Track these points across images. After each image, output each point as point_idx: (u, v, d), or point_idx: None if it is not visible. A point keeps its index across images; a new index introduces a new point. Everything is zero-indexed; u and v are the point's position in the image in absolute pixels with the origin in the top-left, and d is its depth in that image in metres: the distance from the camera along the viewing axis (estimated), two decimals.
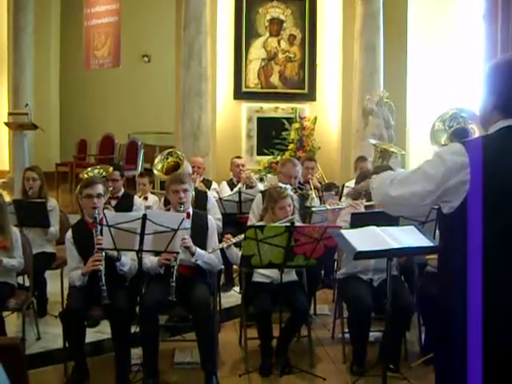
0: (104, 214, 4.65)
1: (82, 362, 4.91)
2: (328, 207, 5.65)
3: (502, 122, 2.56)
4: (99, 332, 5.57)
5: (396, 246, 3.61)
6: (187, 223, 4.91)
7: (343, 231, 3.71)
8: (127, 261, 5.08)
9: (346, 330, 5.39)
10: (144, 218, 4.55)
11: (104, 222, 4.57)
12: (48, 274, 6.30)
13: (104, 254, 4.86)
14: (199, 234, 5.21)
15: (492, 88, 2.61)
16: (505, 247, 2.44)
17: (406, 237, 3.73)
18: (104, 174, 6.67)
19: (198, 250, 5.07)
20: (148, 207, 6.75)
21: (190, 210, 5.29)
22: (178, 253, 4.87)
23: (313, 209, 5.63)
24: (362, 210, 5.24)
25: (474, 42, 10.22)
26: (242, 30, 10.29)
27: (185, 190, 5.17)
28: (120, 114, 14.56)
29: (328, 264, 6.43)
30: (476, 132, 9.05)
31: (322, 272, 7.16)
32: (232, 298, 6.82)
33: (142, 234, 4.57)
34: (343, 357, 5.43)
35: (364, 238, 3.64)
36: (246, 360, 5.29)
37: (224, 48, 10.25)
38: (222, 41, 10.23)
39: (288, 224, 4.76)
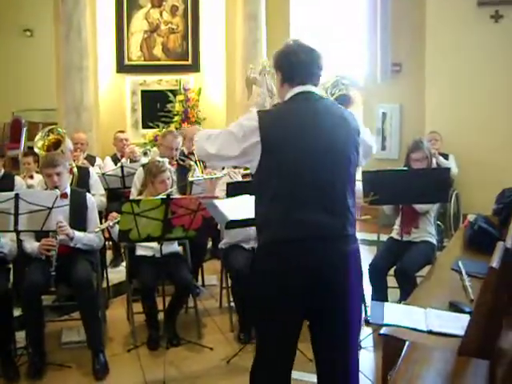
0: None
1: None
2: (205, 177, 5.67)
3: (290, 91, 3.13)
4: None
5: None
6: (64, 202, 4.85)
7: (216, 201, 3.73)
8: (7, 242, 4.96)
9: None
10: (16, 197, 4.44)
11: None
12: None
13: None
14: (78, 214, 5.13)
15: (277, 67, 3.21)
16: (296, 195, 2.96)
17: None
18: None
19: (77, 234, 4.99)
20: (30, 186, 6.58)
21: (68, 190, 5.17)
22: (56, 240, 4.82)
23: (190, 179, 5.63)
24: (239, 178, 5.29)
25: (357, 8, 10.41)
26: (123, 1, 10.07)
27: (58, 174, 5.04)
28: (3, 91, 14.06)
29: (214, 235, 6.47)
30: (357, 97, 9.30)
31: (211, 243, 7.22)
32: (120, 273, 6.75)
33: (16, 214, 4.47)
34: (230, 326, 5.52)
35: (237, 207, 3.68)
36: (134, 335, 5.30)
37: (105, 21, 10.00)
38: (102, 13, 9.96)
39: (164, 197, 4.75)
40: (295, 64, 3.11)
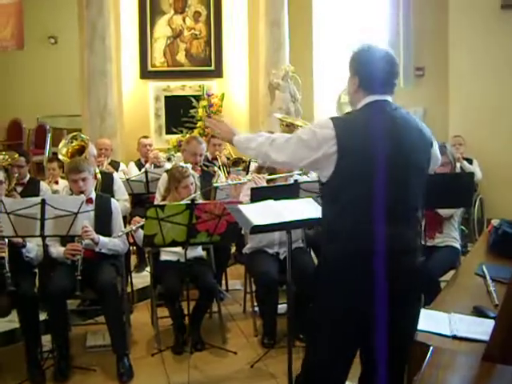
0: (2, 201, 4.57)
1: None
2: (230, 182, 5.69)
3: (366, 98, 2.97)
4: (10, 321, 5.48)
5: (291, 218, 3.67)
6: (89, 207, 4.90)
7: (241, 206, 3.74)
8: (33, 247, 5.01)
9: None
10: (43, 202, 4.50)
11: (2, 209, 4.49)
12: None
13: (7, 240, 4.76)
14: (103, 219, 5.19)
15: (354, 71, 3.03)
16: (370, 207, 2.81)
17: (304, 209, 3.80)
18: (9, 160, 6.52)
19: (101, 239, 5.05)
20: (55, 192, 6.64)
21: (93, 195, 5.23)
22: (82, 245, 4.87)
23: (214, 184, 5.64)
24: (264, 183, 5.30)
25: (379, 13, 10.40)
26: (147, 7, 10.12)
27: (83, 179, 5.10)
28: (29, 97, 14.15)
29: (238, 240, 6.48)
30: None
31: (235, 248, 7.23)
32: (145, 278, 6.81)
33: (43, 219, 4.52)
34: (254, 330, 5.54)
35: (261, 212, 3.68)
36: (158, 339, 5.34)
37: (128, 27, 10.05)
38: (126, 19, 10.02)
39: (188, 202, 4.78)
40: (376, 72, 2.96)
